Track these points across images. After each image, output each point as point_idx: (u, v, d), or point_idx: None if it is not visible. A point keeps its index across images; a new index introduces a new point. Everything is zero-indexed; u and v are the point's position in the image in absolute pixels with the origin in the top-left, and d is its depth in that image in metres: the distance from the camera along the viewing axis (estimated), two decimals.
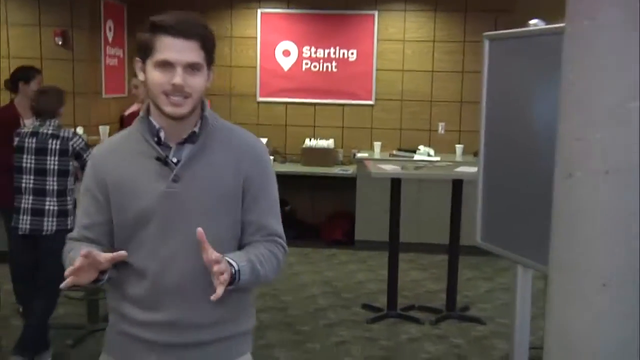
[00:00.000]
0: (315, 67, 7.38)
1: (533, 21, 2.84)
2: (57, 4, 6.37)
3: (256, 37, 7.40)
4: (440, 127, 7.29)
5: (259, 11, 7.37)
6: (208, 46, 1.77)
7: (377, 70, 7.29)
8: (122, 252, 1.73)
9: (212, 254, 1.66)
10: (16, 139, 4.02)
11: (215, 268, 1.64)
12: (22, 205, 3.99)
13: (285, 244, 1.93)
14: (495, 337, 4.65)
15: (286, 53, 7.39)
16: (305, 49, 7.37)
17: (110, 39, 6.86)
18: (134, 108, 7.00)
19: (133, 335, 1.84)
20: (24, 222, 3.99)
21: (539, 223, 2.70)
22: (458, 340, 4.61)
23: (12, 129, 4.51)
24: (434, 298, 5.45)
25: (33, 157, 3.96)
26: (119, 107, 7.14)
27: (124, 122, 7.02)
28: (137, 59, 1.79)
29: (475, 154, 6.98)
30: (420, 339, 4.63)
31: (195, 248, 1.69)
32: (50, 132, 3.99)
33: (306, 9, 7.32)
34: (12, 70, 6.42)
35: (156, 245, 1.78)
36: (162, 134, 1.81)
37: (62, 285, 1.67)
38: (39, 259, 4.06)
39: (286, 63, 7.41)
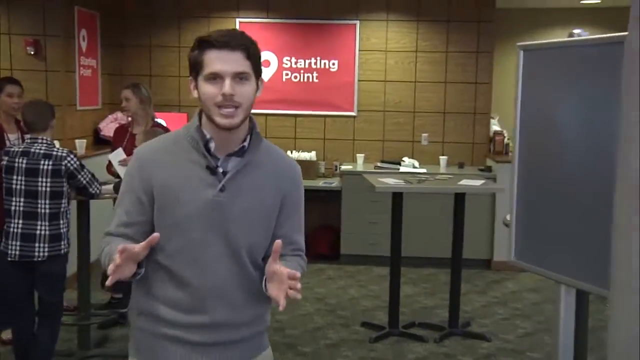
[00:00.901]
0: (295, 77, 7.22)
1: (577, 31, 2.73)
2: (28, 11, 6.05)
3: None
4: (424, 138, 7.21)
5: (237, 20, 7.17)
6: (254, 56, 1.87)
7: (359, 80, 7.18)
8: (156, 235, 1.78)
9: (283, 267, 1.79)
10: (5, 159, 3.74)
11: (292, 283, 1.76)
12: (12, 230, 3.72)
13: (305, 257, 2.08)
14: (503, 355, 4.55)
15: (266, 63, 7.21)
16: (286, 59, 7.20)
17: (84, 49, 6.56)
18: (118, 120, 6.71)
19: (175, 337, 1.91)
20: (14, 248, 3.71)
21: (583, 240, 2.60)
22: (466, 358, 4.50)
23: None
24: (431, 314, 5.34)
25: (23, 178, 3.69)
26: (93, 120, 6.85)
27: (100, 135, 6.73)
28: (190, 78, 1.88)
29: (460, 165, 6.95)
30: (428, 358, 4.50)
31: (233, 254, 1.88)
32: (42, 151, 3.72)
33: (286, 18, 7.16)
34: None
35: (198, 252, 1.86)
36: (212, 145, 1.88)
37: (107, 283, 1.75)
38: (34, 285, 3.79)
39: (266, 74, 7.22)
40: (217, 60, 1.80)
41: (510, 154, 6.81)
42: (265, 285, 1.87)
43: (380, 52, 7.14)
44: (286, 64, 7.20)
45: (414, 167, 6.84)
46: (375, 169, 6.82)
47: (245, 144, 1.90)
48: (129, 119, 5.06)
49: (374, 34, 7.13)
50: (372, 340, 4.71)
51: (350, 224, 6.76)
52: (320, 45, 7.16)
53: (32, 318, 3.93)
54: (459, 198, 4.78)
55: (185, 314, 1.90)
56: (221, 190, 1.86)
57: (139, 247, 1.75)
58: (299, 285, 1.77)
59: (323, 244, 6.98)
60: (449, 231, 6.53)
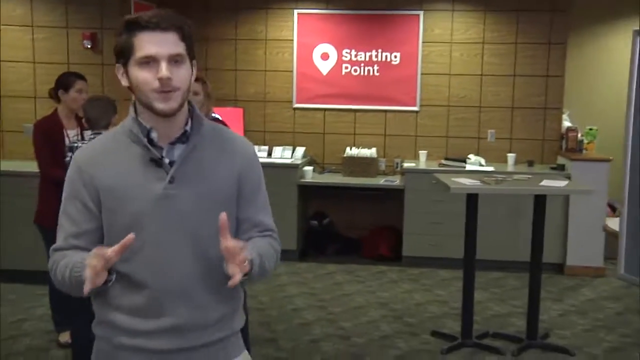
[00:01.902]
0: (355, 71, 6.93)
1: None
2: (85, 4, 5.92)
3: (292, 40, 6.95)
4: (490, 135, 6.85)
5: (295, 12, 6.92)
6: (188, 37, 1.76)
7: (421, 74, 6.85)
8: (130, 236, 1.63)
9: (232, 240, 1.65)
10: (69, 154, 3.57)
11: (240, 255, 1.64)
12: None
13: (278, 237, 1.95)
14: None
15: (324, 56, 6.94)
16: (345, 51, 6.92)
17: None
18: None
19: (135, 346, 1.79)
20: None
21: None
22: None
23: (56, 140, 4.15)
24: (505, 323, 5.01)
25: None
26: None
27: None
28: (118, 65, 1.76)
29: (530, 164, 6.57)
30: None
31: (193, 249, 1.76)
32: None
33: (346, 9, 6.87)
34: (37, 76, 6.04)
35: (153, 250, 1.75)
36: (153, 135, 1.77)
37: (85, 291, 1.61)
38: None
39: (324, 67, 6.96)
40: (150, 43, 1.68)
41: (585, 151, 6.42)
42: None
43: (444, 44, 6.80)
44: (346, 57, 6.92)
45: (480, 164, 6.50)
46: (439, 166, 6.50)
47: (187, 127, 1.80)
48: None
49: (439, 25, 6.79)
50: (444, 351, 4.41)
51: (412, 225, 6.45)
52: (381, 37, 6.86)
53: (90, 321, 3.75)
54: (539, 200, 4.43)
55: (144, 319, 1.77)
56: (170, 182, 1.75)
57: (112, 251, 1.61)
58: (245, 255, 1.67)
59: (384, 245, 6.70)
60: (517, 233, 6.25)
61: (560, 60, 6.64)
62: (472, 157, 6.60)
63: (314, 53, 6.94)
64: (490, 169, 6.33)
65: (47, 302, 4.69)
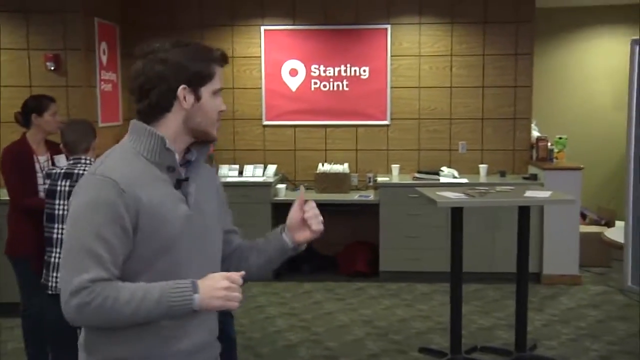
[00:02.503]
0: (325, 86, 6.88)
1: None
2: (47, 25, 5.73)
3: (260, 56, 6.86)
4: (461, 146, 6.87)
5: (262, 28, 6.84)
6: None
7: (391, 87, 6.84)
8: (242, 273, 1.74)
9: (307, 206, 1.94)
10: (47, 182, 3.41)
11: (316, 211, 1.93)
12: (53, 260, 3.38)
13: None
14: None
15: (293, 72, 6.88)
16: (314, 67, 6.86)
17: (104, 62, 6.23)
18: None
19: None
20: (54, 280, 3.36)
21: None
22: None
23: (26, 166, 3.96)
24: (491, 336, 4.98)
25: (66, 202, 3.34)
26: (115, 137, 6.49)
27: None
28: (186, 86, 1.76)
29: (502, 174, 6.60)
30: None
31: (212, 268, 1.80)
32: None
33: (313, 24, 6.82)
34: (0, 100, 5.81)
35: (180, 273, 1.72)
36: (176, 156, 1.79)
37: (234, 307, 1.70)
38: None
39: (293, 83, 6.89)
40: (221, 77, 1.82)
41: (555, 160, 6.48)
42: (288, 240, 1.94)
43: (413, 57, 6.81)
44: (314, 72, 6.87)
45: (454, 176, 6.50)
46: (413, 179, 6.47)
47: (194, 151, 1.85)
48: None
49: (407, 38, 6.80)
50: None
51: (388, 239, 6.40)
52: (349, 51, 6.83)
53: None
54: (524, 211, 4.42)
55: (164, 342, 1.74)
56: (188, 203, 1.80)
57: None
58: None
59: (360, 260, 6.62)
60: (493, 244, 6.27)
61: (528, 70, 6.72)
62: (445, 169, 6.59)
63: (283, 69, 6.87)
64: (464, 180, 6.34)
65: (17, 335, 4.47)
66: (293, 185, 6.87)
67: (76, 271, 1.62)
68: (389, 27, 6.78)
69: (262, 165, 6.77)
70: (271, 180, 6.51)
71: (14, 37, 5.75)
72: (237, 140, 6.96)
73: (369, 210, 6.53)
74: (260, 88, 6.89)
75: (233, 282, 1.70)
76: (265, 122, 6.93)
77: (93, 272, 1.63)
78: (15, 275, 4.06)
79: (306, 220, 1.91)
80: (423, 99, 6.85)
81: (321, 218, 1.92)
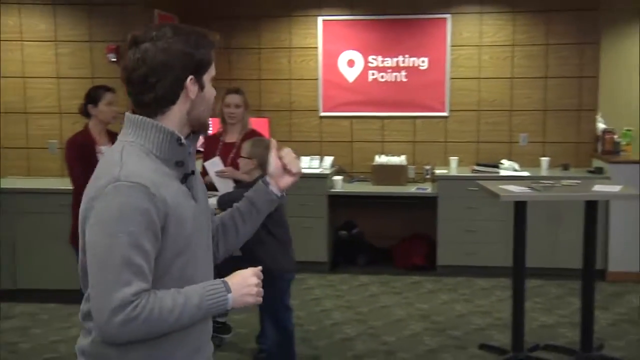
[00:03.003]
0: (382, 77, 6.79)
1: None
2: (108, 17, 5.80)
3: (317, 47, 6.81)
4: (522, 139, 6.69)
5: (319, 19, 6.78)
6: None
7: (450, 78, 6.70)
8: None
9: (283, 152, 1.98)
10: None
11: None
12: None
13: None
14: None
15: (350, 63, 6.81)
16: (372, 58, 6.77)
17: None
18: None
19: None
20: None
21: None
22: None
23: (89, 156, 4.02)
24: (555, 334, 4.83)
25: None
26: None
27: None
28: (193, 77, 1.69)
29: (565, 167, 6.40)
30: None
31: (209, 259, 1.81)
32: None
33: (371, 14, 6.73)
34: (61, 92, 5.92)
35: (193, 273, 1.69)
36: (190, 149, 1.76)
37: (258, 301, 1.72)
38: None
39: (351, 74, 6.82)
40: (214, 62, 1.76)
41: (622, 153, 6.24)
42: (274, 189, 1.96)
43: (473, 47, 6.65)
44: (372, 63, 6.78)
45: (515, 169, 6.33)
46: (472, 172, 6.33)
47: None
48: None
49: (467, 28, 6.65)
50: None
51: (446, 233, 6.28)
52: (408, 42, 6.72)
53: None
54: (591, 206, 4.26)
55: (172, 346, 1.69)
56: (195, 198, 1.75)
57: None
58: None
59: (416, 254, 6.53)
60: (555, 239, 6.08)
61: (594, 60, 6.49)
62: (506, 162, 6.43)
63: (340, 60, 6.80)
64: (525, 173, 6.17)
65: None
66: (349, 177, 6.81)
67: (117, 285, 1.53)
68: (449, 16, 6.64)
69: (318, 157, 6.73)
70: (327, 172, 6.47)
71: (76, 29, 5.84)
72: (293, 132, 6.93)
73: (426, 203, 6.42)
74: (317, 79, 6.84)
75: (259, 278, 1.71)
76: (322, 114, 6.88)
77: (135, 284, 1.54)
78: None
79: (285, 165, 1.94)
80: (483, 90, 6.69)
81: (299, 161, 1.97)
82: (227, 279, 1.68)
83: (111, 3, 5.79)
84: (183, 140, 1.69)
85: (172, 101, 1.68)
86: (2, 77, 5.86)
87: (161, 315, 1.57)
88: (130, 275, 1.54)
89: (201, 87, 1.71)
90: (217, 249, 1.94)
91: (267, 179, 1.96)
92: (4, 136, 5.95)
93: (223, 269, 1.93)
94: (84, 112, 4.25)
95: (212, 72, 1.74)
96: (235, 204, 1.99)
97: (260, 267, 1.73)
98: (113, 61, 5.79)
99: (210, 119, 1.79)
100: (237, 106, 4.50)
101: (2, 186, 5.48)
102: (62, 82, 5.89)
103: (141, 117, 1.68)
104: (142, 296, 1.56)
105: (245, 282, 1.67)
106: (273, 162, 1.94)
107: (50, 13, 5.86)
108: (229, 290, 1.65)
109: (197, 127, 1.75)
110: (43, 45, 5.87)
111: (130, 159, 1.63)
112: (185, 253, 1.67)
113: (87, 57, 5.86)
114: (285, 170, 1.95)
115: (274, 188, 1.96)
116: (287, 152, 1.96)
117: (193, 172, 1.75)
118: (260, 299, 1.70)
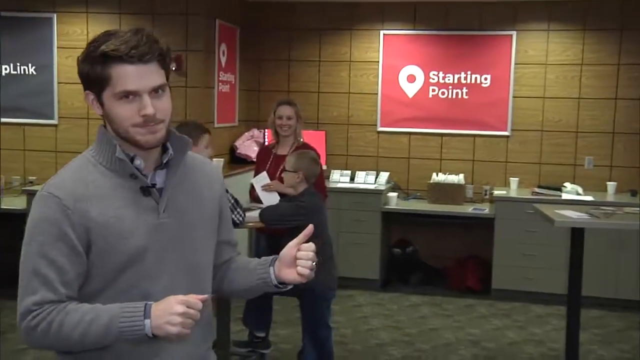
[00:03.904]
0: (443, 93, 6.65)
1: None
2: (172, 25, 5.88)
3: (378, 61, 6.73)
4: (588, 162, 6.42)
5: (381, 32, 6.71)
6: (166, 63, 1.65)
7: (513, 97, 6.50)
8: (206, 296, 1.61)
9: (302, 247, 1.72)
10: None
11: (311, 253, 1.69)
12: None
13: None
14: None
15: (411, 78, 6.70)
16: (433, 73, 6.65)
17: (223, 64, 6.33)
18: (255, 138, 6.45)
19: None
20: None
21: None
22: None
23: None
24: None
25: None
26: (230, 138, 6.60)
27: (236, 153, 6.44)
28: (88, 92, 1.62)
29: (633, 193, 6.10)
30: None
31: (189, 279, 1.67)
32: None
33: (434, 29, 6.61)
34: None
35: (148, 286, 1.61)
36: (137, 161, 1.64)
37: (182, 337, 1.53)
38: None
39: (411, 89, 6.71)
40: (130, 77, 1.54)
41: None
42: (273, 274, 1.74)
43: (539, 65, 6.44)
44: (433, 79, 6.65)
45: (578, 193, 6.08)
46: (533, 194, 6.11)
47: (171, 151, 1.68)
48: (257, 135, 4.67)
49: (533, 46, 6.44)
50: None
51: (503, 256, 6.08)
52: (471, 58, 6.56)
53: None
54: None
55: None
56: (164, 210, 1.64)
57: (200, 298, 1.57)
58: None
59: (471, 276, 6.34)
60: (617, 268, 5.79)
61: None
62: (569, 186, 6.18)
63: (400, 75, 6.70)
64: (589, 198, 5.91)
65: None
66: (405, 194, 6.68)
67: (24, 293, 1.56)
68: (514, 33, 6.45)
69: (374, 172, 6.63)
70: (382, 188, 6.37)
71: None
72: (350, 146, 6.86)
73: (483, 224, 6.23)
74: (377, 94, 6.76)
75: (191, 307, 1.52)
76: (380, 129, 6.79)
77: (39, 294, 1.54)
78: None
79: (296, 261, 1.70)
80: (547, 110, 6.46)
81: (313, 264, 1.69)
82: (155, 303, 1.54)
83: (174, 13, 5.87)
84: (118, 154, 1.60)
85: (102, 116, 1.64)
86: (69, 83, 6.01)
87: (61, 329, 1.53)
88: (37, 284, 1.55)
89: (100, 103, 1.61)
90: (218, 281, 1.84)
91: (277, 260, 1.75)
92: (66, 141, 6.11)
93: None
94: None
95: (115, 88, 1.56)
96: (253, 259, 1.84)
97: (203, 297, 1.56)
98: (173, 70, 5.86)
99: (267, 130, 1.76)
100: (288, 118, 4.46)
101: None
102: None
103: (101, 127, 1.67)
104: (45, 307, 1.54)
105: (168, 311, 1.51)
106: (288, 249, 1.71)
107: (116, 21, 5.98)
108: (147, 316, 1.52)
109: (133, 145, 1.62)
110: None
111: (65, 170, 1.65)
112: (137, 266, 1.60)
113: None
114: (295, 264, 1.71)
115: (273, 273, 1.75)
116: (307, 248, 1.70)
117: (154, 186, 1.65)
118: (187, 331, 1.51)
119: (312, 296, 3.67)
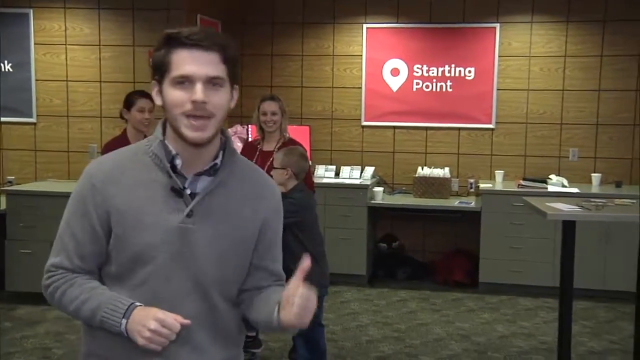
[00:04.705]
0: (427, 87, 6.61)
1: None
2: (152, 22, 5.77)
3: (361, 55, 6.68)
4: (572, 154, 6.42)
5: (364, 26, 6.65)
6: (231, 60, 1.60)
7: (498, 89, 6.48)
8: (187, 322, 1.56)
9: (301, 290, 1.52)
10: None
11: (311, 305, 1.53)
12: None
13: None
14: None
15: (395, 72, 6.65)
16: (417, 67, 6.61)
17: None
18: (238, 134, 6.36)
19: None
20: None
21: None
22: None
23: None
24: None
25: None
26: None
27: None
28: (154, 81, 1.62)
29: (617, 184, 6.12)
30: None
31: (200, 290, 1.63)
32: None
33: (417, 22, 6.57)
34: (103, 95, 5.92)
35: (160, 286, 1.60)
36: (178, 162, 1.62)
37: (141, 344, 1.54)
38: None
39: (395, 83, 6.66)
40: (188, 61, 1.55)
41: None
42: (277, 316, 1.59)
43: (523, 57, 6.43)
44: (417, 72, 6.61)
45: (563, 185, 6.08)
46: (518, 187, 6.10)
47: (218, 161, 1.66)
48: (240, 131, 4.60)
49: (516, 38, 6.43)
50: None
51: (490, 249, 6.06)
52: (455, 51, 6.53)
53: None
54: None
55: (141, 356, 1.59)
56: (188, 215, 1.61)
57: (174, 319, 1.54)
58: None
59: (458, 270, 6.32)
60: (604, 259, 5.80)
61: None
62: (554, 178, 6.18)
63: (384, 69, 6.66)
64: (574, 190, 5.91)
65: None
66: (391, 189, 6.64)
67: (52, 253, 1.67)
68: (497, 25, 6.43)
69: (359, 167, 6.59)
70: (368, 182, 6.32)
71: (119, 34, 5.84)
72: (334, 141, 6.81)
73: (469, 218, 6.22)
74: (361, 88, 6.70)
75: (165, 327, 1.52)
76: (364, 123, 6.74)
77: (59, 258, 1.65)
78: None
79: (290, 306, 1.54)
80: (532, 102, 6.46)
81: (308, 315, 1.53)
82: (140, 307, 1.57)
83: (155, 8, 5.77)
84: (155, 150, 1.63)
85: (163, 107, 1.63)
86: (47, 80, 5.87)
87: (62, 298, 1.63)
88: (59, 248, 1.66)
89: (160, 91, 1.61)
90: (246, 306, 1.74)
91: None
92: (45, 139, 5.97)
93: None
94: (122, 117, 4.20)
95: (172, 72, 1.56)
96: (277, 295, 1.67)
97: (184, 321, 1.53)
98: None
99: (250, 126, 1.70)
100: (273, 113, 4.38)
101: (40, 189, 5.48)
102: (104, 86, 5.89)
103: (164, 118, 1.68)
104: (59, 272, 1.65)
105: (142, 322, 1.53)
106: (287, 290, 1.55)
107: (95, 17, 5.87)
108: (126, 316, 1.56)
109: (179, 137, 1.60)
110: (87, 49, 5.88)
111: (116, 152, 1.70)
112: (147, 263, 1.61)
113: (129, 61, 5.85)
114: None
115: (276, 313, 1.60)
116: (301, 295, 1.52)
117: (184, 188, 1.62)
118: (155, 347, 1.52)
119: None
